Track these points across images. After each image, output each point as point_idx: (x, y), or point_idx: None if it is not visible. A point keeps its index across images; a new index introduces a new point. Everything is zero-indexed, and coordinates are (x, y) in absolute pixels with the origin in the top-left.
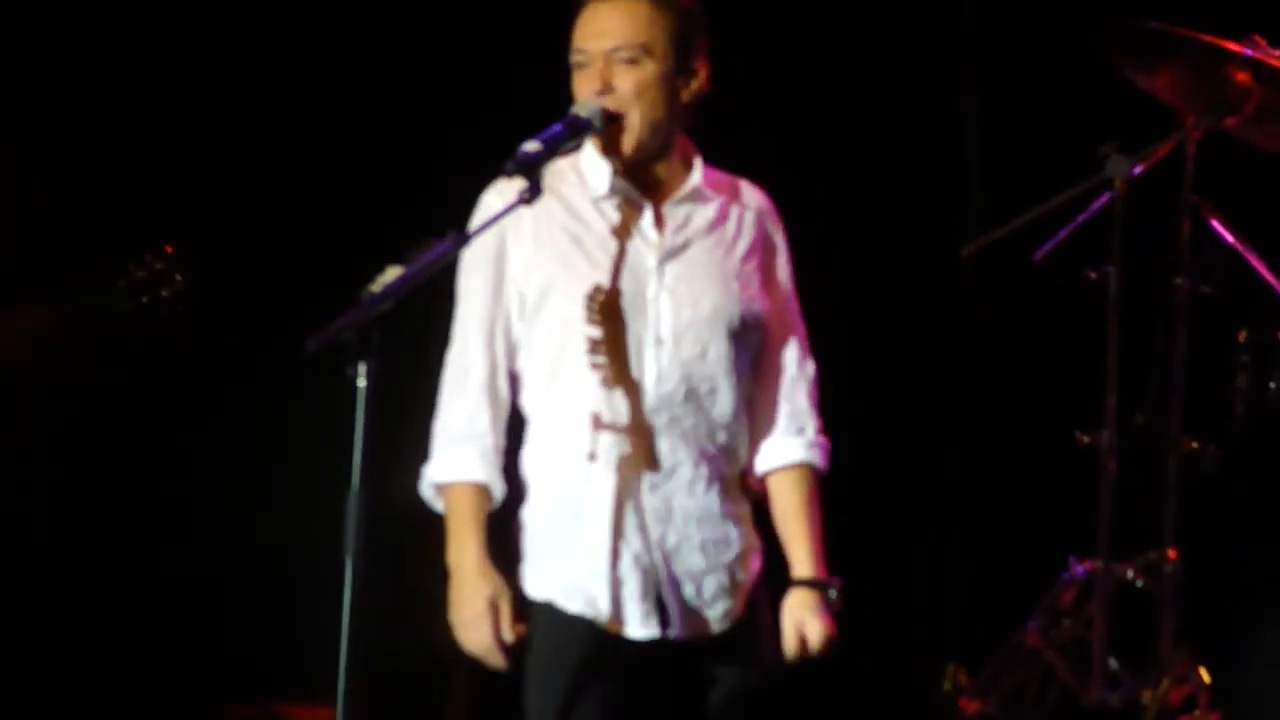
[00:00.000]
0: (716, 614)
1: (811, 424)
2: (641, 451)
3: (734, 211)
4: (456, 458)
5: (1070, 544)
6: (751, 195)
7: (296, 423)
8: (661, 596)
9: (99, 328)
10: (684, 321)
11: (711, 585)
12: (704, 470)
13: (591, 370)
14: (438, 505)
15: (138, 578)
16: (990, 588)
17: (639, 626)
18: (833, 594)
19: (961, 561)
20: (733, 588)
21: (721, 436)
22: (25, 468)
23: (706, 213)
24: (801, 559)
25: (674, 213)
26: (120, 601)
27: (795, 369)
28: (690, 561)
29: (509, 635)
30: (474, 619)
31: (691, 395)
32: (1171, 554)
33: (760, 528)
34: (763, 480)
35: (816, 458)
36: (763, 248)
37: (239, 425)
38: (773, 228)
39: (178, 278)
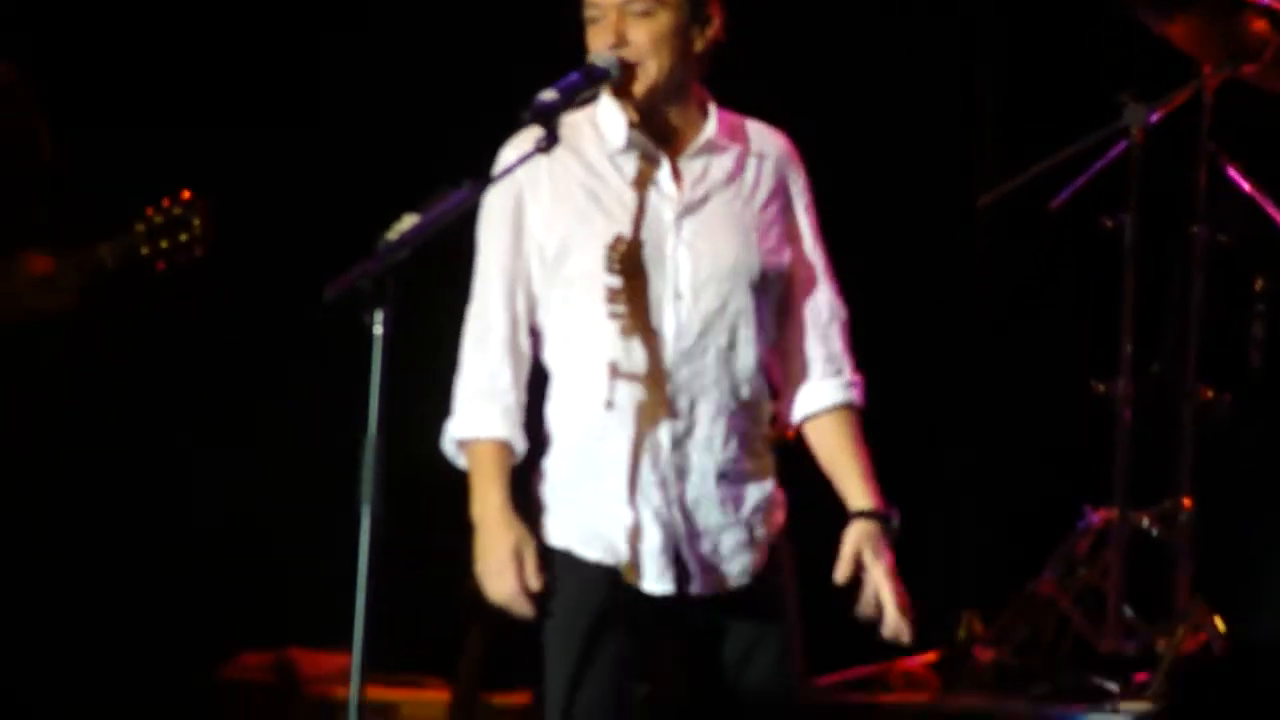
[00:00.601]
0: (735, 570)
1: (847, 365)
2: (659, 402)
3: (752, 161)
4: (479, 414)
5: (1085, 493)
6: (769, 140)
7: (314, 369)
8: (680, 552)
9: (116, 272)
10: (703, 276)
11: (730, 541)
12: (723, 424)
13: (610, 320)
14: (460, 461)
15: (155, 525)
16: (1005, 536)
17: (656, 581)
18: (894, 524)
19: (977, 510)
20: (752, 543)
21: (744, 391)
22: (39, 414)
23: (724, 163)
24: (857, 493)
25: (691, 165)
26: (138, 550)
27: (826, 313)
28: (709, 518)
29: (534, 584)
30: (499, 568)
31: (712, 349)
32: (1187, 503)
33: (786, 480)
34: (799, 427)
35: (855, 397)
36: (783, 193)
37: (256, 372)
38: (793, 172)
39: (195, 222)
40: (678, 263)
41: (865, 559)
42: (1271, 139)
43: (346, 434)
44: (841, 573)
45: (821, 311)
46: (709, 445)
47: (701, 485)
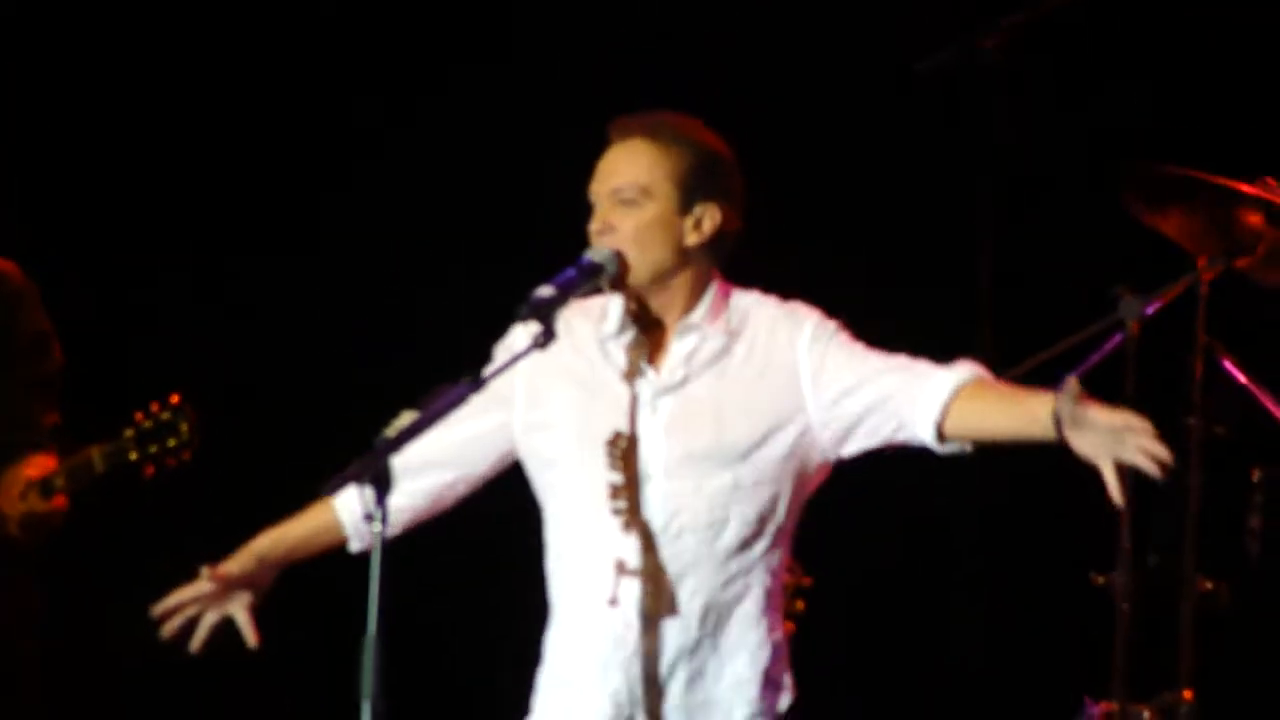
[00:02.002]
0: None
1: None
2: (656, 595)
3: (742, 342)
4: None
5: (1086, 685)
6: (771, 317)
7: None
8: None
9: (105, 476)
10: (675, 458)
11: (704, 705)
12: (699, 602)
13: (613, 516)
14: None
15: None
16: None
17: None
18: (1070, 390)
19: (977, 702)
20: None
21: (732, 566)
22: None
23: (711, 346)
24: (1036, 403)
25: (676, 348)
26: None
27: (900, 367)
28: (672, 697)
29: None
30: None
31: (687, 530)
32: (1188, 695)
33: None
34: (942, 430)
35: (969, 370)
36: (787, 366)
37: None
38: (801, 337)
39: (184, 427)
40: (654, 446)
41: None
42: (1266, 332)
43: (346, 632)
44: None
45: (896, 371)
46: (685, 626)
47: (673, 663)
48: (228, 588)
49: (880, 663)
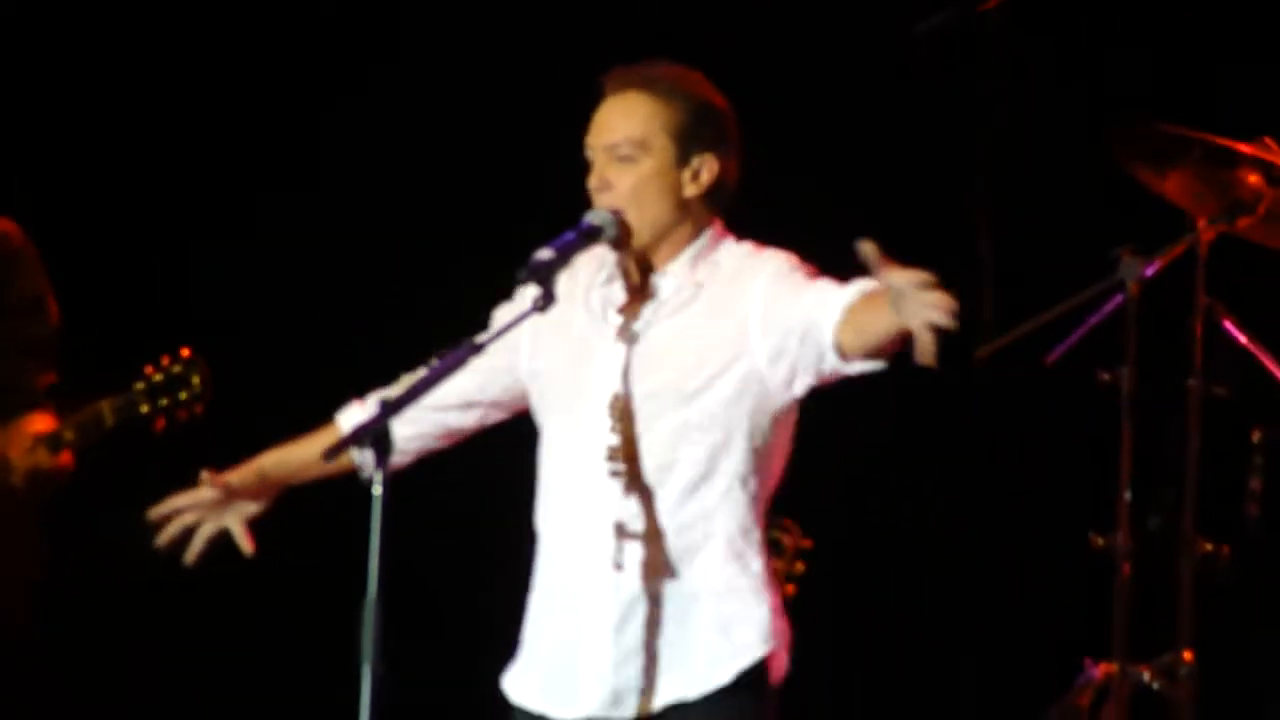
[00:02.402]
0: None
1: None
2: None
3: (709, 288)
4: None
5: (1086, 646)
6: (741, 265)
7: (314, 529)
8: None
9: (115, 430)
10: (637, 399)
11: (687, 656)
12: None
13: (611, 478)
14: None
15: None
16: (1006, 690)
17: (576, 708)
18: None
19: (977, 664)
20: (711, 658)
21: (686, 511)
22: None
23: (681, 295)
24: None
25: (657, 295)
26: None
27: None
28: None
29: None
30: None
31: (646, 463)
32: (1188, 656)
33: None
34: (842, 349)
35: (858, 286)
36: (739, 312)
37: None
38: (759, 286)
39: (195, 380)
40: (623, 388)
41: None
42: (1266, 292)
43: (346, 595)
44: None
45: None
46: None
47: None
48: (227, 498)
49: (880, 624)
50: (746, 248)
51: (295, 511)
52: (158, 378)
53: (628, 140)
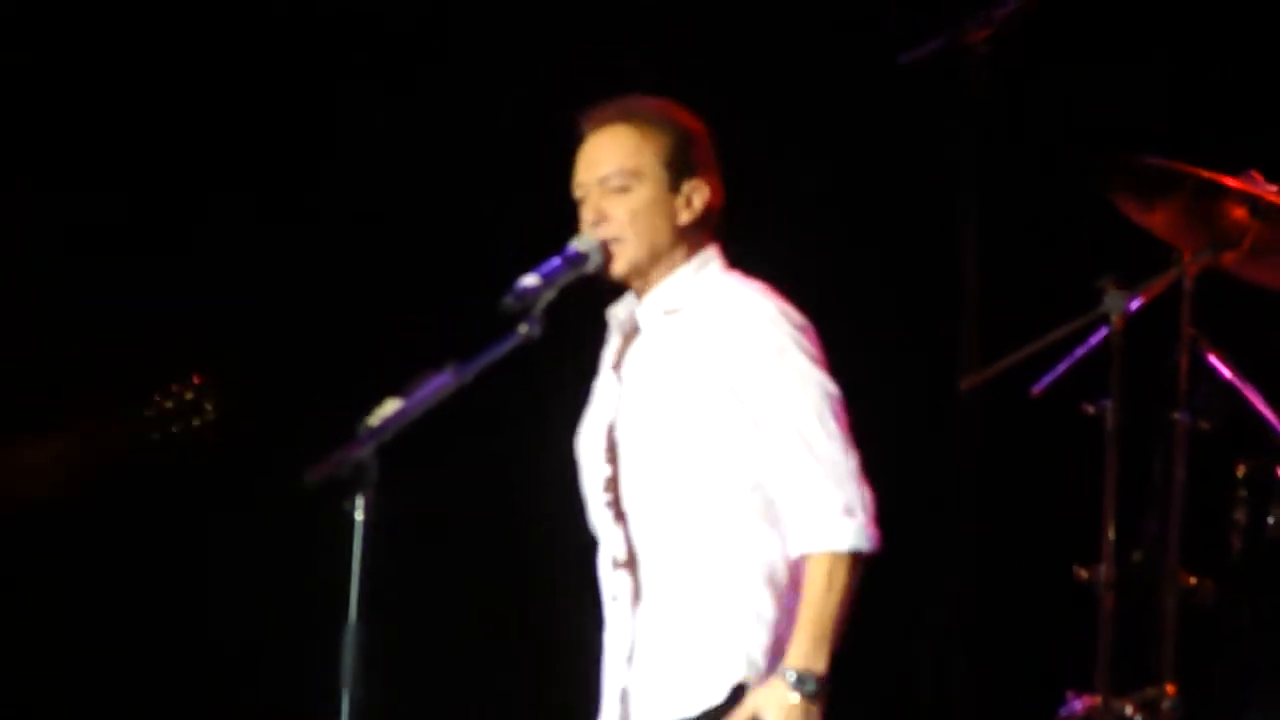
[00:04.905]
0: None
1: (801, 509)
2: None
3: (682, 320)
4: None
5: (1068, 678)
6: (721, 305)
7: (296, 555)
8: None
9: (124, 456)
10: (621, 431)
11: (663, 688)
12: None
13: (606, 509)
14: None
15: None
16: None
17: None
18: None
19: (959, 695)
20: (685, 688)
21: (671, 545)
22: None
23: (658, 324)
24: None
25: (648, 332)
26: None
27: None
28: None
29: None
30: None
31: (632, 502)
32: (1170, 690)
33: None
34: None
35: (811, 543)
36: (716, 354)
37: (240, 557)
38: (733, 339)
39: (208, 407)
40: (609, 422)
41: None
42: (1251, 326)
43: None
44: None
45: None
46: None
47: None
48: None
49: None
50: (728, 281)
51: (279, 535)
52: (168, 404)
53: (620, 171)
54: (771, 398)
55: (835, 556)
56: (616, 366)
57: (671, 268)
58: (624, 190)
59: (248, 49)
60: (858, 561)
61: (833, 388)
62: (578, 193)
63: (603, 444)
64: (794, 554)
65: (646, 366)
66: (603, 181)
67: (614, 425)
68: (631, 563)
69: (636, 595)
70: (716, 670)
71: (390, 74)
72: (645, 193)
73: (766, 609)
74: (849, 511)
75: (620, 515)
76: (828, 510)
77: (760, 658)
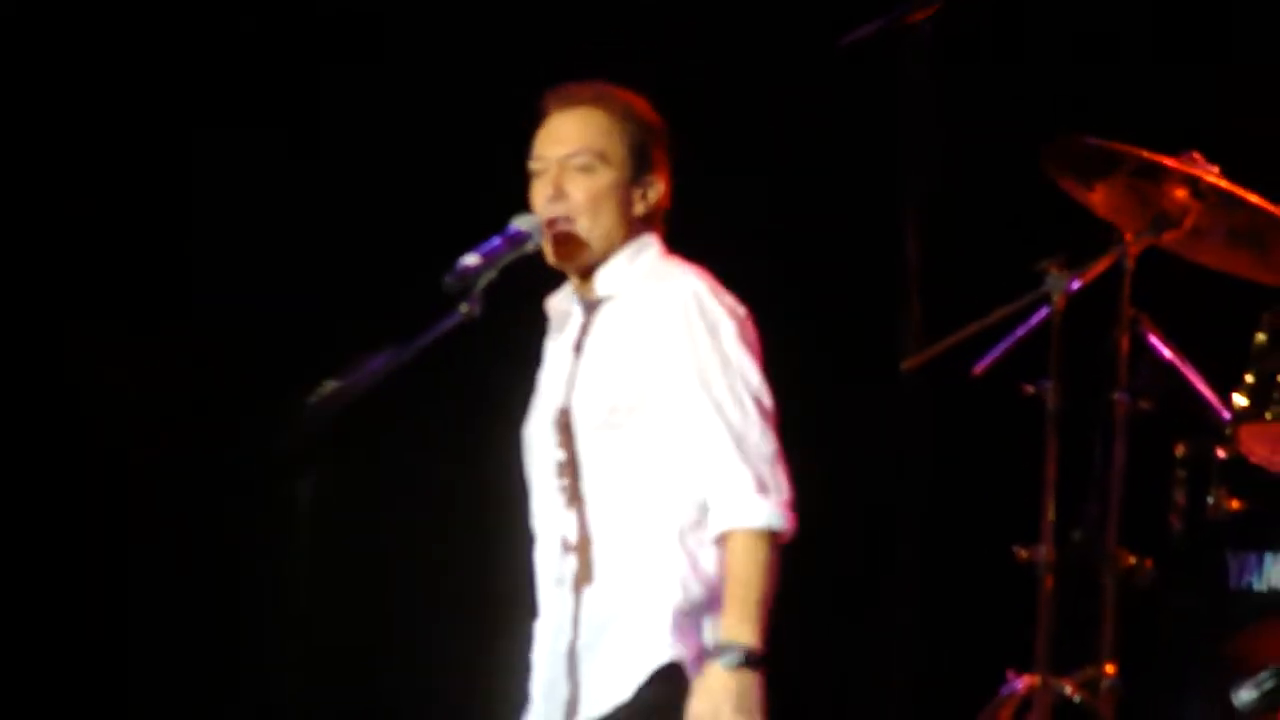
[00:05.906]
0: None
1: (717, 487)
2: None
3: (613, 307)
4: None
5: (1009, 658)
6: (655, 290)
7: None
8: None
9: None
10: (576, 413)
11: (598, 671)
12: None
13: (560, 493)
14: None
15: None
16: (929, 702)
17: None
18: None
19: (900, 675)
20: (617, 671)
21: (620, 522)
22: None
23: (612, 314)
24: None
25: (599, 307)
26: None
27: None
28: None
29: None
30: None
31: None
32: (1110, 669)
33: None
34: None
35: (728, 520)
36: (646, 339)
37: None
38: (668, 321)
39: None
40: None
41: None
42: (1192, 306)
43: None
44: None
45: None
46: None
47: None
48: None
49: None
50: (666, 266)
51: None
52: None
53: (588, 150)
54: (695, 377)
55: (752, 534)
56: (574, 348)
57: (611, 254)
58: (587, 170)
59: (205, 35)
60: (775, 540)
61: (757, 377)
62: (535, 165)
63: (554, 429)
64: (713, 532)
65: (591, 351)
66: (567, 159)
67: (566, 410)
68: (583, 545)
69: (585, 578)
70: (652, 648)
71: (341, 60)
72: (608, 177)
73: (694, 586)
74: (763, 490)
75: (576, 498)
76: (742, 489)
77: (692, 635)
